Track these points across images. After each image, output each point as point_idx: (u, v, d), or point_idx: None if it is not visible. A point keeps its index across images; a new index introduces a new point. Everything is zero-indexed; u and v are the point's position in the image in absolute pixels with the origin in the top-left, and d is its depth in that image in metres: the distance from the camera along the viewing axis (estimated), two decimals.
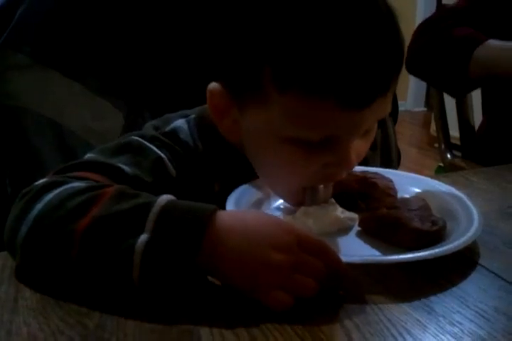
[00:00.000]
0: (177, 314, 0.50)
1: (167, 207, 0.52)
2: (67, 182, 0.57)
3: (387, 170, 0.78)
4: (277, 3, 0.57)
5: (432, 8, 4.17)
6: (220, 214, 0.53)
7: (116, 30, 0.96)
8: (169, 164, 0.65)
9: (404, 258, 0.56)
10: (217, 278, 0.53)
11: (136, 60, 0.99)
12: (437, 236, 0.61)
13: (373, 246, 0.62)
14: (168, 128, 0.68)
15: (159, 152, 0.65)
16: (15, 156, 0.90)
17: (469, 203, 0.67)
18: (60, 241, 0.53)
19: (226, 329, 0.48)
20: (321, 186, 0.65)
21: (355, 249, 0.61)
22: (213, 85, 0.64)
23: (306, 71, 0.55)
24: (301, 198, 0.66)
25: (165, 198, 0.54)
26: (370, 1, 0.57)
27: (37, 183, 0.58)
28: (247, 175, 0.69)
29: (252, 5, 0.59)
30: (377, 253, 0.60)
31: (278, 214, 0.67)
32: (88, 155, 0.64)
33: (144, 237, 0.51)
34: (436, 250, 0.57)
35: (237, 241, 0.51)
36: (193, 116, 0.70)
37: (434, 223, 0.61)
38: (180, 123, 0.69)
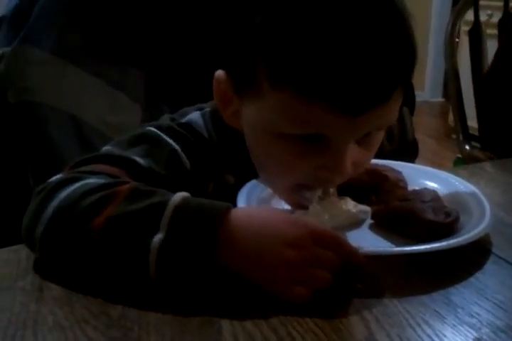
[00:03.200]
0: (198, 305, 0.51)
1: (181, 206, 0.52)
2: (81, 179, 0.57)
3: (397, 162, 0.77)
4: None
5: (447, 10, 4.14)
6: (234, 211, 0.53)
7: (132, 24, 0.97)
8: (183, 156, 0.65)
9: (419, 250, 0.57)
10: (236, 272, 0.53)
11: (153, 53, 0.99)
12: (451, 227, 0.61)
13: (387, 238, 0.62)
14: (183, 120, 0.69)
15: (174, 144, 0.65)
16: (35, 150, 0.91)
17: (480, 194, 0.67)
18: (75, 240, 0.54)
19: (246, 319, 0.49)
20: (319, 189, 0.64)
21: (368, 242, 0.61)
22: (219, 73, 0.64)
23: (299, 70, 0.53)
24: (294, 198, 0.65)
25: (179, 196, 0.54)
26: (379, 1, 0.54)
27: (51, 180, 0.59)
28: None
29: None
30: (391, 245, 0.61)
31: (289, 208, 0.67)
32: (105, 148, 0.65)
33: (159, 236, 0.51)
34: (451, 241, 0.57)
35: (252, 239, 0.52)
36: (208, 109, 0.71)
37: (447, 214, 0.61)
38: (195, 115, 0.70)
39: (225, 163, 0.70)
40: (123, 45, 0.97)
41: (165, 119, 0.70)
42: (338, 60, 0.52)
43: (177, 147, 0.65)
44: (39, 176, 0.86)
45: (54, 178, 0.59)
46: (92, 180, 0.57)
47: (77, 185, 0.56)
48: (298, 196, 0.65)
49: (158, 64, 1.00)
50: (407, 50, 0.56)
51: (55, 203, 0.55)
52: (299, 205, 0.65)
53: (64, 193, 0.56)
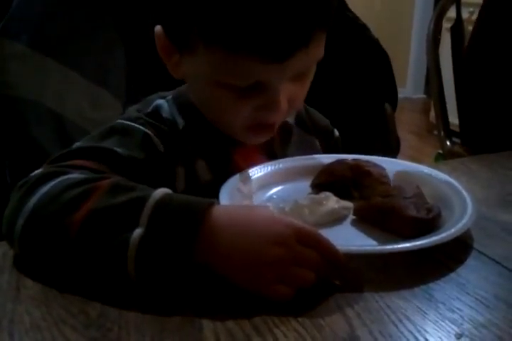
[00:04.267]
0: (178, 303, 0.51)
1: (162, 201, 0.52)
2: (62, 173, 0.57)
3: (379, 157, 0.77)
4: None
5: (429, 7, 4.17)
6: (216, 209, 0.52)
7: (107, 15, 0.95)
8: (156, 139, 0.67)
9: (401, 248, 0.56)
10: (216, 271, 0.52)
11: (130, 45, 0.98)
12: (433, 223, 0.61)
13: (369, 234, 0.62)
14: (150, 109, 0.71)
15: (145, 129, 0.67)
16: (14, 146, 0.90)
17: (462, 189, 0.67)
18: (56, 233, 0.53)
19: (228, 318, 0.48)
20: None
21: (351, 239, 0.61)
22: (158, 28, 0.67)
23: (226, 29, 0.58)
24: (247, 136, 0.70)
25: (160, 192, 0.53)
26: None
27: (32, 175, 0.58)
28: (228, 150, 0.72)
29: None
30: (373, 242, 0.61)
31: (270, 205, 0.67)
32: (76, 144, 0.65)
33: (138, 231, 0.51)
34: (433, 238, 0.57)
35: (235, 237, 0.51)
36: (170, 96, 0.74)
37: (429, 210, 0.61)
38: (160, 102, 0.73)
39: (195, 146, 0.71)
40: (100, 40, 0.95)
41: (131, 111, 0.72)
42: (257, 15, 0.57)
43: (149, 131, 0.67)
44: (17, 172, 0.85)
45: (35, 173, 0.59)
46: (72, 175, 0.57)
47: (57, 180, 0.56)
48: (249, 135, 0.70)
49: (137, 57, 0.99)
50: None
51: (35, 198, 0.55)
52: (253, 142, 0.72)
53: (44, 188, 0.55)
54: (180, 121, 0.71)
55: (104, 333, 0.46)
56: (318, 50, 0.64)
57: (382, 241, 0.60)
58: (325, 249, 0.52)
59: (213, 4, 0.58)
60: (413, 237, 0.58)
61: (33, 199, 0.55)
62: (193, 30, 0.61)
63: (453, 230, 0.58)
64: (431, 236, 0.58)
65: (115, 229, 0.51)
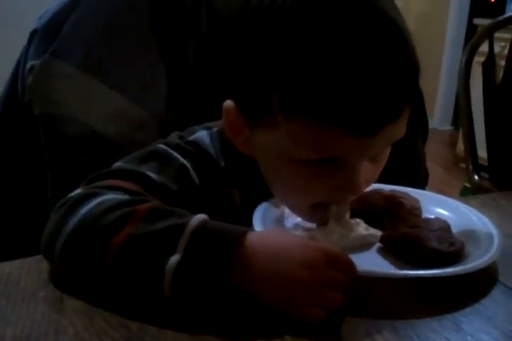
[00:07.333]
0: (214, 323, 0.53)
1: (199, 229, 0.54)
2: (100, 194, 0.59)
3: (416, 190, 0.79)
4: (288, 29, 0.56)
5: (460, 38, 4.18)
6: (250, 235, 0.54)
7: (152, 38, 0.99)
8: (193, 172, 0.67)
9: (419, 274, 0.58)
10: (251, 294, 0.54)
11: (172, 69, 1.01)
12: (454, 257, 0.62)
13: (392, 262, 0.63)
14: (191, 138, 0.70)
15: (183, 160, 0.67)
16: (57, 162, 0.93)
17: (490, 224, 0.69)
18: (94, 256, 0.55)
19: (261, 339, 0.50)
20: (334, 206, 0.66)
21: (374, 265, 0.62)
22: (228, 103, 0.65)
23: (311, 99, 0.55)
24: (312, 215, 0.67)
25: (197, 219, 0.55)
26: (378, 26, 0.56)
27: (70, 195, 0.60)
28: (268, 191, 0.70)
29: (265, 29, 0.59)
30: (394, 269, 0.62)
31: (300, 230, 0.69)
32: (116, 164, 0.67)
33: (175, 258, 0.52)
34: (450, 269, 0.58)
35: (268, 262, 0.53)
36: (216, 128, 0.71)
37: (451, 244, 0.62)
38: (203, 134, 0.71)
39: (232, 181, 0.71)
40: (144, 65, 0.99)
41: (173, 137, 0.71)
42: (348, 85, 0.54)
43: (186, 163, 0.67)
44: (59, 188, 0.88)
45: (74, 193, 0.61)
46: (111, 196, 0.59)
47: (96, 201, 0.58)
48: (315, 214, 0.67)
49: (178, 84, 1.02)
50: (411, 67, 0.58)
51: (75, 219, 0.56)
52: (317, 221, 0.67)
53: (84, 209, 0.57)
54: (220, 157, 0.69)
55: None
56: (404, 125, 0.61)
57: (403, 270, 0.61)
58: (352, 272, 0.54)
59: (299, 66, 0.55)
60: (432, 268, 0.59)
61: (73, 220, 0.56)
62: (273, 99, 0.57)
63: (471, 264, 0.59)
64: (453, 267, 0.59)
65: (152, 256, 0.53)
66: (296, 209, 0.69)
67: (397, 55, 0.56)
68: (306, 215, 0.69)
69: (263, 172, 0.67)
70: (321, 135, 0.56)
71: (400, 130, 0.60)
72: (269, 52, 0.57)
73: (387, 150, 0.65)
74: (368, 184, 0.65)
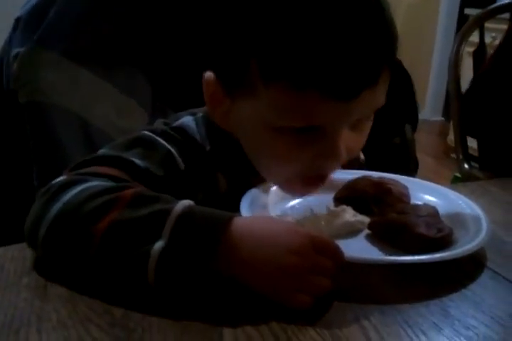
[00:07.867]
0: (200, 309, 0.52)
1: (184, 214, 0.53)
2: (84, 181, 0.58)
3: (405, 177, 0.79)
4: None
5: (451, 30, 4.18)
6: (236, 221, 0.54)
7: (138, 30, 0.98)
8: (178, 158, 0.67)
9: (402, 260, 0.58)
10: (238, 280, 0.53)
11: (155, 54, 1.00)
12: (442, 242, 0.62)
13: (380, 249, 0.63)
14: (176, 124, 0.70)
15: (168, 146, 0.67)
16: (42, 150, 0.92)
17: (479, 210, 0.69)
18: (77, 243, 0.54)
19: (248, 325, 0.49)
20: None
21: (362, 251, 0.62)
22: (208, 74, 0.65)
23: (289, 63, 0.56)
24: (295, 186, 0.68)
25: (182, 205, 0.54)
26: None
27: (54, 182, 0.59)
28: (253, 174, 0.70)
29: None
30: (382, 255, 0.62)
31: (288, 216, 0.68)
32: (101, 151, 0.66)
33: (160, 243, 0.52)
34: (438, 254, 0.58)
35: (254, 248, 0.53)
36: (200, 114, 0.72)
37: (439, 230, 0.62)
38: (188, 119, 0.71)
39: (217, 166, 0.71)
40: (130, 51, 0.98)
41: (159, 123, 0.72)
42: (324, 49, 0.55)
43: (172, 149, 0.67)
44: (44, 177, 0.87)
45: (57, 180, 0.60)
46: (95, 183, 0.58)
47: (80, 187, 0.57)
48: (298, 186, 0.67)
49: (161, 66, 1.01)
50: (388, 33, 0.59)
51: (58, 206, 0.56)
52: (300, 193, 0.70)
53: (67, 196, 0.56)
54: (206, 141, 0.70)
55: (128, 333, 0.47)
56: (382, 93, 0.61)
57: (391, 256, 0.61)
58: (338, 258, 0.53)
59: (276, 32, 0.56)
60: (420, 254, 0.59)
61: (56, 207, 0.56)
62: (252, 66, 0.58)
63: (459, 250, 0.59)
64: (441, 253, 0.59)
65: (137, 242, 0.53)
66: (279, 182, 0.70)
67: (373, 21, 0.57)
68: (289, 187, 0.69)
69: (245, 148, 0.68)
70: (300, 99, 0.57)
71: (377, 98, 0.61)
72: (246, 18, 0.58)
73: (369, 122, 0.66)
74: (351, 153, 0.65)
